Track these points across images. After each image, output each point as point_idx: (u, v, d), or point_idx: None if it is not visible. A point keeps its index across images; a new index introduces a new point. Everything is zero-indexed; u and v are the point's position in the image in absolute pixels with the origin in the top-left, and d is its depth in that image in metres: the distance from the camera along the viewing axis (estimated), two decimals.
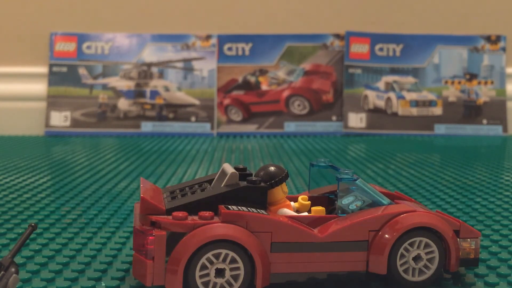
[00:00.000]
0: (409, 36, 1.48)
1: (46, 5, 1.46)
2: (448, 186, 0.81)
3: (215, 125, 1.43)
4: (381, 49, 1.47)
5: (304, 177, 0.86)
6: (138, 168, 0.94)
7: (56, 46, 1.44)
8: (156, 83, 1.44)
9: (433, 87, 1.47)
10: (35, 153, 1.11)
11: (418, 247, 0.43)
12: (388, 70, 1.46)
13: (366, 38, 1.47)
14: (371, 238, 0.43)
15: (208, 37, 1.46)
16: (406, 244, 0.43)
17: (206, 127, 1.42)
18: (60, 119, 1.42)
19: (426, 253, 0.43)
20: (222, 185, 0.44)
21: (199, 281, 0.40)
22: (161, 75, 1.44)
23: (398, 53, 1.47)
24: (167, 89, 1.44)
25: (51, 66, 1.44)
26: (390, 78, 1.46)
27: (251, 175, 0.46)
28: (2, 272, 0.37)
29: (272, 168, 0.46)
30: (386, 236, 0.43)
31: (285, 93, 1.45)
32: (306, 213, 0.47)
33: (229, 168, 0.45)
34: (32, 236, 0.55)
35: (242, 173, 0.46)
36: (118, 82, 1.43)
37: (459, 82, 1.47)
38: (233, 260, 0.40)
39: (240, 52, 1.46)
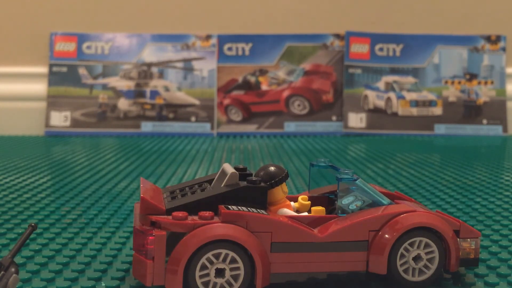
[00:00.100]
0: (409, 36, 1.48)
1: (46, 5, 1.46)
2: (448, 186, 0.81)
3: (215, 125, 1.43)
4: (381, 49, 1.47)
5: (304, 177, 0.86)
6: (138, 168, 0.94)
7: (56, 46, 1.44)
8: (156, 83, 1.44)
9: (433, 87, 1.47)
10: (35, 153, 1.11)
11: (418, 247, 0.43)
12: (388, 70, 1.46)
13: (366, 38, 1.47)
14: (371, 238, 0.43)
15: (208, 37, 1.46)
16: (406, 244, 0.43)
17: (206, 127, 1.42)
18: (60, 119, 1.42)
19: (426, 253, 0.43)
20: (222, 185, 0.44)
21: (199, 281, 0.40)
22: (161, 75, 1.44)
23: (398, 53, 1.47)
24: (167, 89, 1.44)
25: (51, 66, 1.44)
26: (390, 78, 1.46)
27: (251, 175, 0.46)
28: (2, 272, 0.37)
29: (272, 168, 0.45)
30: (386, 236, 0.43)
31: (285, 93, 1.45)
32: (306, 213, 0.47)
33: (229, 168, 0.45)
34: (32, 236, 0.55)
35: (242, 173, 0.46)
36: (118, 82, 1.43)
37: (459, 82, 1.47)
38: (233, 260, 0.40)
39: (240, 52, 1.46)
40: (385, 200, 0.46)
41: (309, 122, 1.44)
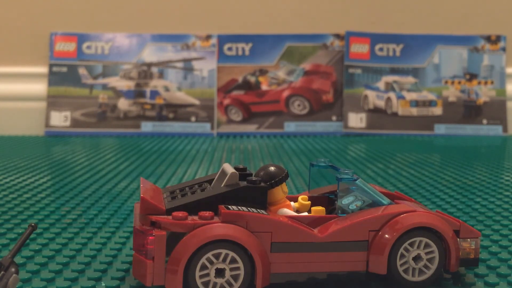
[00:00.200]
0: (409, 36, 1.48)
1: (46, 5, 1.46)
2: (448, 186, 0.81)
3: (215, 125, 1.43)
4: (381, 49, 1.47)
5: (304, 177, 0.86)
6: (138, 168, 0.94)
7: (56, 46, 1.44)
8: (156, 83, 1.44)
9: (433, 87, 1.47)
10: (35, 153, 1.11)
11: (418, 247, 0.43)
12: (388, 70, 1.46)
13: (366, 38, 1.47)
14: (371, 238, 0.43)
15: (208, 37, 1.46)
16: (406, 244, 0.43)
17: (206, 127, 1.42)
18: (60, 119, 1.42)
19: (426, 253, 0.43)
20: (222, 185, 0.44)
21: (199, 281, 0.40)
22: (161, 75, 1.44)
23: (398, 53, 1.47)
24: (167, 89, 1.44)
25: (51, 66, 1.44)
26: (390, 78, 1.46)
27: (251, 175, 0.46)
28: (2, 272, 0.37)
29: (272, 168, 0.46)
30: (386, 236, 0.43)
31: (285, 93, 1.45)
32: (306, 213, 0.47)
33: (229, 168, 0.45)
34: (32, 236, 0.55)
35: (242, 173, 0.46)
36: (118, 82, 1.43)
37: (459, 82, 1.47)
38: (233, 260, 0.40)
39: (240, 52, 1.46)
40: (385, 200, 0.46)
41: (309, 122, 1.45)
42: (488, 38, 1.47)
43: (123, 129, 1.41)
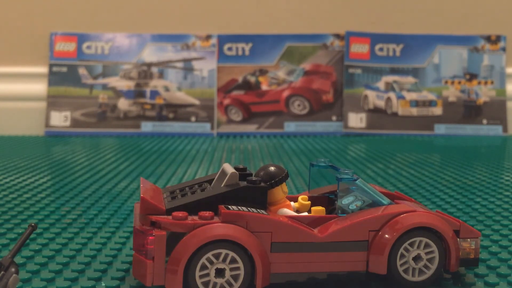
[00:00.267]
0: (409, 36, 1.48)
1: (46, 5, 1.46)
2: (448, 186, 0.81)
3: (215, 125, 1.43)
4: (381, 49, 1.47)
5: (304, 177, 0.86)
6: (138, 168, 0.94)
7: (56, 46, 1.44)
8: (156, 83, 1.44)
9: (433, 87, 1.47)
10: (35, 153, 1.11)
11: (418, 247, 0.43)
12: (388, 70, 1.46)
13: (366, 38, 1.47)
14: (371, 238, 0.43)
15: (208, 37, 1.46)
16: (406, 244, 0.43)
17: (206, 127, 1.42)
18: (60, 119, 1.42)
19: (426, 253, 0.43)
20: (222, 185, 0.44)
21: (199, 281, 0.40)
22: (161, 75, 1.44)
23: (398, 53, 1.47)
24: (167, 89, 1.44)
25: (51, 66, 1.44)
26: (390, 78, 1.46)
27: (251, 175, 0.46)
28: (2, 272, 0.37)
29: (272, 168, 0.45)
30: (386, 236, 0.43)
31: (285, 93, 1.45)
32: (306, 213, 0.47)
33: (229, 168, 0.45)
34: (32, 236, 0.55)
35: (242, 173, 0.46)
36: (118, 82, 1.43)
37: (459, 82, 1.47)
38: (233, 260, 0.40)
39: (240, 52, 1.46)
40: (385, 200, 0.46)
41: (309, 122, 1.45)
42: (488, 38, 1.47)
43: (123, 129, 1.41)
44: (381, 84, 1.46)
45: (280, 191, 0.45)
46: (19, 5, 1.46)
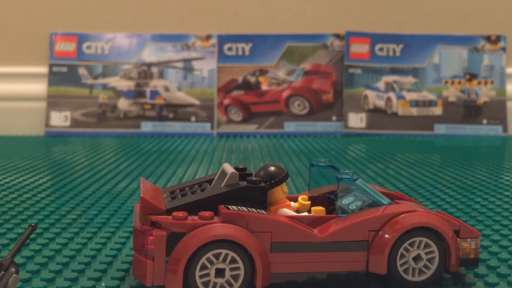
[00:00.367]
0: (409, 36, 1.48)
1: (46, 5, 1.46)
2: (448, 186, 0.81)
3: (215, 125, 1.43)
4: (381, 49, 1.47)
5: (304, 177, 0.86)
6: (138, 168, 0.94)
7: (56, 46, 1.44)
8: (156, 83, 1.44)
9: (433, 87, 1.47)
10: (35, 153, 1.11)
11: (418, 247, 0.43)
12: (388, 70, 1.46)
13: (366, 38, 1.47)
14: (371, 238, 0.43)
15: (208, 37, 1.46)
16: (406, 244, 0.43)
17: (206, 127, 1.42)
18: (60, 119, 1.42)
19: (426, 253, 0.43)
20: (222, 185, 0.44)
21: (199, 281, 0.40)
22: (161, 75, 1.44)
23: (398, 53, 1.47)
24: (167, 89, 1.44)
25: (51, 66, 1.44)
26: (390, 78, 1.46)
27: (251, 175, 0.46)
28: (2, 272, 0.37)
29: (272, 168, 0.45)
30: (386, 236, 0.43)
31: (285, 93, 1.45)
32: (306, 213, 0.47)
33: (229, 168, 0.45)
34: (32, 236, 0.55)
35: (242, 173, 0.46)
36: (118, 82, 1.43)
37: (459, 82, 1.47)
38: (233, 260, 0.40)
39: (240, 52, 1.46)
40: (385, 200, 0.46)
41: (309, 122, 1.45)
42: (488, 38, 1.47)
43: (123, 129, 1.41)
44: (381, 84, 1.46)
45: (280, 191, 0.45)
46: (19, 5, 1.46)
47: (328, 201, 0.50)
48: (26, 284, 0.44)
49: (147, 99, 1.43)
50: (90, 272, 0.46)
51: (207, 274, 0.40)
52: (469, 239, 0.45)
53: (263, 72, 1.46)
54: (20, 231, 0.57)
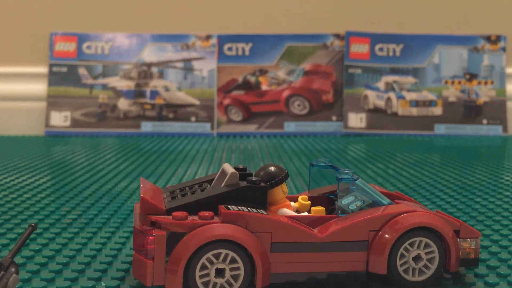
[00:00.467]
0: (409, 36, 1.48)
1: (46, 5, 1.46)
2: (448, 186, 0.81)
3: (215, 125, 1.43)
4: (381, 49, 1.47)
5: (304, 177, 0.86)
6: (138, 168, 0.94)
7: (56, 46, 1.44)
8: (156, 83, 1.44)
9: (433, 87, 1.47)
10: (35, 153, 1.11)
11: (418, 247, 0.43)
12: (388, 70, 1.46)
13: (366, 38, 1.47)
14: (371, 238, 0.43)
15: (208, 37, 1.46)
16: (406, 244, 0.43)
17: (206, 127, 1.42)
18: (60, 119, 1.42)
19: (426, 253, 0.43)
20: (222, 185, 0.44)
21: (199, 281, 0.40)
22: (161, 75, 1.44)
23: (398, 53, 1.47)
24: (167, 89, 1.44)
25: (51, 66, 1.44)
26: (390, 78, 1.46)
27: (251, 175, 0.46)
28: (2, 272, 0.37)
29: (272, 168, 0.45)
30: (386, 236, 0.43)
31: (285, 93, 1.45)
32: (306, 213, 0.47)
33: (229, 168, 0.45)
34: (32, 236, 0.55)
35: (242, 173, 0.46)
36: (118, 82, 1.43)
37: (459, 82, 1.47)
38: (233, 260, 0.40)
39: (240, 52, 1.46)
40: (385, 200, 0.46)
41: (309, 122, 1.45)
42: (488, 38, 1.47)
43: (123, 129, 1.41)
44: (381, 84, 1.46)
45: (280, 191, 0.45)
46: (19, 5, 1.46)
47: (328, 201, 0.50)
48: (26, 284, 0.44)
49: (147, 99, 1.43)
50: (90, 272, 0.46)
51: (207, 274, 0.40)
52: (469, 239, 0.45)
53: (263, 72, 1.46)
54: (20, 231, 0.57)
